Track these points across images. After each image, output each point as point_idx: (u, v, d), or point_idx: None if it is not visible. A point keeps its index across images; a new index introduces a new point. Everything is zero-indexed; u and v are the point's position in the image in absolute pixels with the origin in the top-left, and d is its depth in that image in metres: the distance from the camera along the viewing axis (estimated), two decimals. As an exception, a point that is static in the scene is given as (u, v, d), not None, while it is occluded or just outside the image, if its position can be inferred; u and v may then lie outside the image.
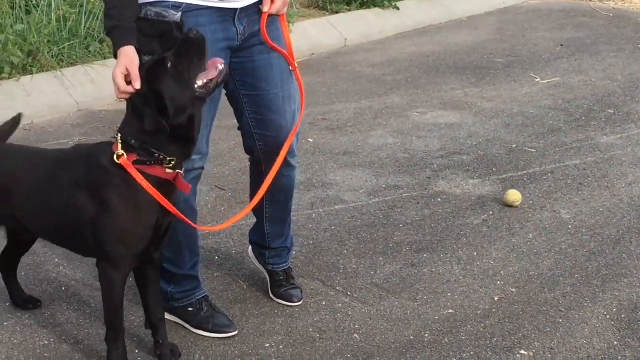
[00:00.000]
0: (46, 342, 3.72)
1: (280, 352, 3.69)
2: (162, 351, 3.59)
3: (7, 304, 3.97)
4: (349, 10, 9.40)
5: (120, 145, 3.20)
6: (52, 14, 7.05)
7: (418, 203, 5.15)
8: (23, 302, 3.94)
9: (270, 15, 3.48)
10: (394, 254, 4.54)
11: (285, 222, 4.05)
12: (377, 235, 4.75)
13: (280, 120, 3.66)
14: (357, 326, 3.89)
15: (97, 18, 7.21)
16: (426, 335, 3.83)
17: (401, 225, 4.86)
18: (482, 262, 4.46)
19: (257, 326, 3.88)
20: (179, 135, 3.21)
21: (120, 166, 3.19)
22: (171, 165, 3.22)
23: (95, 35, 7.19)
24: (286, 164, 3.71)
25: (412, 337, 3.81)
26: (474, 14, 10.32)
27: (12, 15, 6.88)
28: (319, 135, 6.24)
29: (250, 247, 4.21)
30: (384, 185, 5.39)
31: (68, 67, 6.87)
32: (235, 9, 3.43)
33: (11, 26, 6.73)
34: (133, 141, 3.19)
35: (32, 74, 6.62)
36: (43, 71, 6.71)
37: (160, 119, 3.13)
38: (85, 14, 7.19)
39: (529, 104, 7.02)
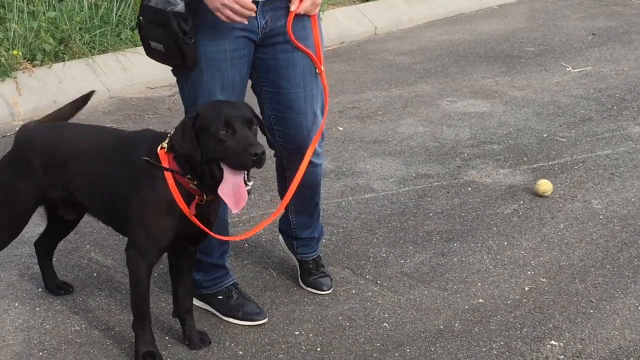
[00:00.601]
0: (77, 327, 3.75)
1: (310, 340, 3.70)
2: (191, 338, 3.62)
3: (40, 289, 4.00)
4: (379, -2, 9.38)
5: (168, 140, 3.26)
6: (84, 1, 7.08)
7: (448, 192, 5.14)
8: (55, 287, 3.98)
9: (298, 15, 3.45)
10: (424, 243, 4.54)
11: (312, 215, 4.04)
12: (407, 224, 4.74)
13: (301, 119, 3.64)
14: (386, 315, 3.89)
15: (129, 5, 7.24)
16: (456, 324, 3.83)
17: (431, 214, 4.85)
18: (513, 252, 4.45)
19: (287, 314, 3.89)
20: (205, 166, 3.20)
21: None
22: (195, 183, 3.24)
23: (127, 23, 7.22)
24: (309, 162, 3.65)
25: (441, 327, 3.81)
26: (505, 2, 10.25)
27: (45, 2, 6.92)
28: (349, 123, 6.23)
29: (280, 235, 4.22)
30: (413, 174, 5.38)
31: (99, 54, 6.90)
32: (257, 1, 3.38)
33: (43, 13, 6.77)
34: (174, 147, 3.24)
35: (64, 61, 6.66)
36: (75, 58, 6.75)
37: (192, 137, 3.16)
38: (117, 2, 7.21)
39: (560, 93, 6.98)
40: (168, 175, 3.23)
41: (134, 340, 3.51)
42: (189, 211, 3.25)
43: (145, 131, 3.59)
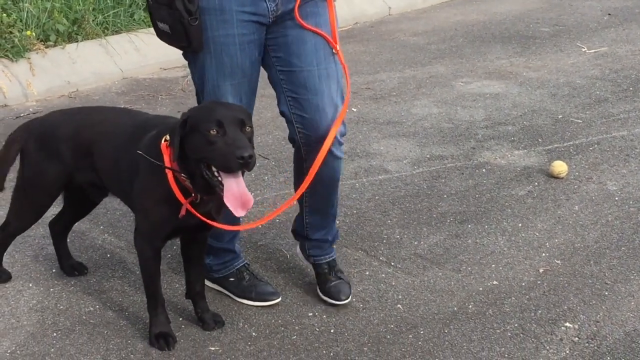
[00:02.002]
0: (91, 308, 3.75)
1: (324, 321, 3.70)
2: (205, 320, 3.62)
3: (54, 270, 4.01)
4: (394, -22, 9.33)
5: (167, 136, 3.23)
6: (97, -19, 7.07)
7: (462, 173, 5.12)
8: (69, 267, 3.99)
9: None
10: (438, 224, 4.52)
11: (327, 215, 3.86)
12: (421, 205, 4.73)
13: (317, 100, 3.50)
14: (400, 296, 3.88)
15: (142, -14, 7.22)
16: (470, 306, 3.82)
17: (445, 196, 4.83)
18: (527, 234, 4.43)
19: (300, 295, 3.88)
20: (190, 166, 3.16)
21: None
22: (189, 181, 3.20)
23: (140, 3, 7.20)
24: (329, 152, 3.51)
25: (455, 309, 3.80)
26: (520, -18, 10.19)
27: (58, -17, 6.91)
28: (363, 104, 6.21)
29: (297, 245, 4.04)
30: (427, 155, 5.36)
31: (113, 35, 6.90)
32: None
33: (56, -6, 6.76)
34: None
35: (77, 41, 6.65)
36: (88, 39, 6.74)
37: (178, 143, 3.11)
38: (130, -18, 7.20)
39: (576, 74, 6.94)
40: (171, 178, 3.19)
41: (148, 321, 3.52)
42: (185, 201, 3.20)
43: (157, 118, 3.55)
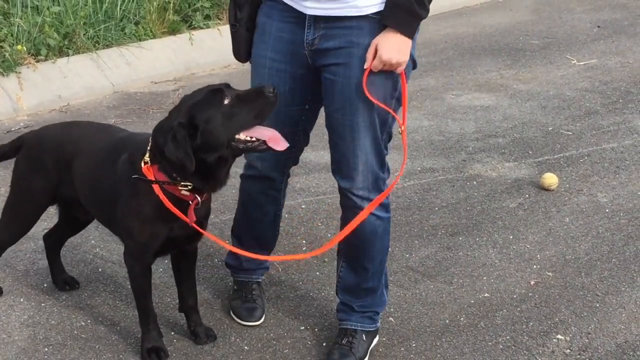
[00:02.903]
0: (83, 323, 3.75)
1: (316, 334, 3.70)
2: (197, 334, 3.62)
3: (45, 285, 4.00)
4: (384, -8, 9.34)
5: (149, 153, 3.17)
6: (88, -4, 7.07)
7: (453, 186, 5.13)
8: (62, 281, 4.00)
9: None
10: (429, 237, 4.53)
11: (359, 277, 3.50)
12: (412, 218, 4.74)
13: (344, 149, 3.28)
14: (392, 309, 3.89)
15: (133, 0, 7.22)
16: (462, 319, 3.82)
17: (436, 208, 4.84)
18: (518, 246, 4.44)
19: (292, 309, 3.88)
20: (202, 170, 3.11)
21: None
22: (188, 188, 3.17)
23: (131, 17, 7.20)
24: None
25: (447, 321, 3.80)
26: (510, -5, 10.23)
27: (48, -3, 6.91)
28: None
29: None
30: (419, 168, 5.37)
31: (104, 49, 6.89)
32: (305, 14, 3.16)
33: (48, 8, 6.75)
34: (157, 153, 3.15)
35: (68, 55, 6.64)
36: (79, 53, 6.73)
37: (187, 145, 3.03)
38: (121, -4, 7.21)
39: (565, 86, 6.96)
40: (156, 187, 3.16)
41: (140, 336, 3.52)
42: (180, 214, 3.17)
43: (130, 137, 3.49)
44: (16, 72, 6.27)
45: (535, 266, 4.25)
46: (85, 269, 4.16)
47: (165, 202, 3.15)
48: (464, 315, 3.84)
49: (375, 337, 3.59)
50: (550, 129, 6.03)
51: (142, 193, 3.21)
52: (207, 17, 7.74)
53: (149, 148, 3.18)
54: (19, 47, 6.31)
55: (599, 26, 8.86)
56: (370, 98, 3.12)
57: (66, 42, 6.71)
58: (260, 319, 3.78)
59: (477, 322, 3.80)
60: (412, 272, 4.19)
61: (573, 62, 7.64)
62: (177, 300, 3.68)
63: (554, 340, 3.68)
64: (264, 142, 3.09)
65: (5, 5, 6.76)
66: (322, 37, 3.16)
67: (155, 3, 7.31)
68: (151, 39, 7.10)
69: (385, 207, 3.43)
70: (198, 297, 3.66)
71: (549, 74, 7.30)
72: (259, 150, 3.16)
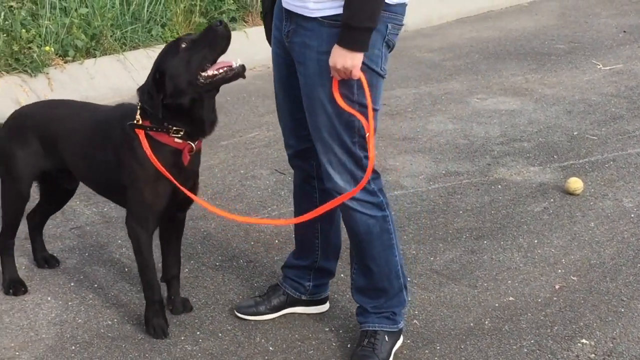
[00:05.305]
0: (109, 322, 3.78)
1: (340, 336, 3.71)
2: (174, 304, 3.80)
3: (72, 284, 4.04)
4: (409, -5, 9.35)
5: (139, 112, 3.39)
6: (115, -3, 7.13)
7: (478, 189, 5.13)
8: (42, 259, 4.16)
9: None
10: (454, 240, 4.54)
11: (366, 276, 3.49)
12: (437, 221, 4.74)
13: (318, 152, 3.31)
14: (416, 312, 3.89)
15: (160, 2, 7.27)
16: (486, 322, 3.83)
17: (461, 212, 4.85)
18: (543, 250, 4.43)
19: (317, 310, 3.90)
20: (184, 114, 3.34)
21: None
22: (180, 135, 3.36)
23: (158, 19, 7.26)
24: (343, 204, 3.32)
25: (472, 324, 3.81)
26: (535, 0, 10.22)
27: (77, -1, 6.97)
28: (379, 120, 6.20)
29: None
30: (443, 171, 5.38)
31: (130, 50, 6.94)
32: (282, 6, 3.25)
33: (76, 10, 6.82)
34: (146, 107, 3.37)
35: (95, 57, 6.70)
36: (106, 54, 6.79)
37: (156, 95, 3.30)
38: (148, -2, 7.26)
39: (591, 91, 6.94)
40: (145, 145, 3.34)
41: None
42: (167, 174, 3.35)
43: (118, 107, 3.67)
44: (44, 73, 6.33)
45: (560, 270, 4.24)
46: (112, 268, 4.19)
47: (147, 150, 3.33)
48: (488, 319, 3.85)
49: (398, 338, 3.59)
50: (575, 133, 6.02)
51: (141, 155, 3.37)
52: (233, 20, 7.79)
53: (137, 107, 3.40)
54: (47, 48, 6.37)
55: (624, 31, 8.84)
56: (339, 102, 3.15)
57: (93, 44, 6.77)
58: (256, 315, 3.78)
59: (502, 325, 3.80)
60: (436, 275, 4.20)
61: (599, 66, 7.62)
62: (162, 270, 3.80)
63: (579, 344, 3.67)
64: (230, 67, 3.32)
65: (34, 7, 6.82)
66: (292, 32, 3.23)
67: (181, 5, 7.36)
68: (177, 41, 7.14)
69: (378, 205, 3.40)
70: (222, 298, 3.68)
71: (575, 78, 7.29)
72: (229, 78, 3.32)
